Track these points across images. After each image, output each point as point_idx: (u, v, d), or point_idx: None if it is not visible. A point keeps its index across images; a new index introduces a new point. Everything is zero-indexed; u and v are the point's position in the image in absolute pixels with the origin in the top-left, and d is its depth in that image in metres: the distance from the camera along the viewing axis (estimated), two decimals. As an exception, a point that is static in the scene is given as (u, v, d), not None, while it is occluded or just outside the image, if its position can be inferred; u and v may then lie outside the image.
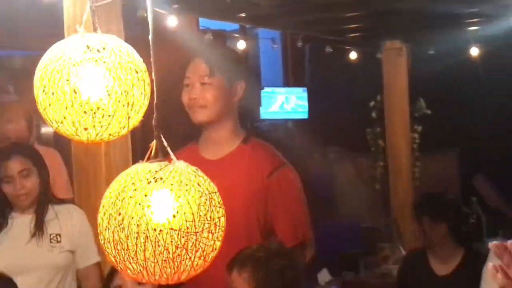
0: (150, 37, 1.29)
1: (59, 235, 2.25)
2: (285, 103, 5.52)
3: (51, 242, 2.23)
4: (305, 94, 5.62)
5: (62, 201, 2.34)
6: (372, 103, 4.53)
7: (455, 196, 3.12)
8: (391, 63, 4.36)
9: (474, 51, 4.15)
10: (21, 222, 2.24)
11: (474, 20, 3.56)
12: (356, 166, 4.71)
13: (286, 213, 2.00)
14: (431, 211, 2.58)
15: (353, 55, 4.60)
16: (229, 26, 4.66)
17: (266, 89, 5.36)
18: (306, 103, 5.58)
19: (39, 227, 2.18)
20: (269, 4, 2.86)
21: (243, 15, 3.25)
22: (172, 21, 2.78)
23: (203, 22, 4.49)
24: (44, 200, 2.22)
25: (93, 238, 2.29)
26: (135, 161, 1.95)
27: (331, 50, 4.37)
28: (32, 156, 2.29)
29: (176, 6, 2.64)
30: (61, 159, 3.07)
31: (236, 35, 4.32)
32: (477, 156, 4.47)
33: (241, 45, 4.36)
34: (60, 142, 3.45)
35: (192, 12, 3.10)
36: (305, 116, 5.51)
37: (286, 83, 5.86)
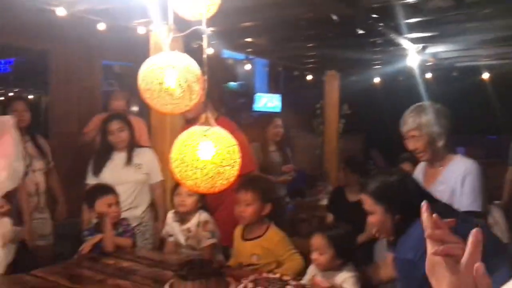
0: (204, 56, 1.76)
1: (140, 164, 3.17)
2: (268, 102, 8.19)
3: (135, 167, 3.16)
4: (280, 98, 8.20)
5: (142, 147, 3.36)
6: (317, 105, 6.69)
7: (361, 159, 4.62)
8: (329, 83, 6.39)
9: (377, 80, 6.77)
10: (118, 157, 3.16)
11: (377, 62, 5.74)
12: (306, 140, 7.04)
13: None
14: (349, 165, 3.94)
15: (309, 77, 6.58)
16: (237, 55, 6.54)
17: (258, 94, 8.08)
18: (280, 103, 8.18)
19: (129, 159, 3.15)
20: (263, 44, 4.71)
21: (249, 50, 5.08)
22: (209, 51, 3.85)
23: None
24: (131, 145, 3.19)
25: (158, 166, 3.24)
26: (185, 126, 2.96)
27: (297, 73, 6.56)
28: (125, 120, 3.26)
29: (213, 42, 4.02)
30: (144, 123, 4.13)
31: (244, 61, 6.25)
32: (373, 138, 7.16)
33: (247, 67, 6.54)
34: (142, 115, 4.75)
35: (222, 47, 4.97)
36: (278, 110, 8.04)
37: (269, 91, 8.40)
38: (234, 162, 1.72)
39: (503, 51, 4.83)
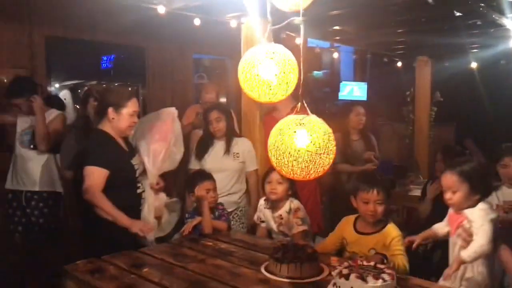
0: (301, 47, 1.83)
1: (238, 153, 3.33)
2: (354, 90, 8.09)
3: (233, 156, 3.32)
4: (365, 86, 8.07)
5: (239, 135, 3.51)
6: (408, 93, 6.33)
7: (459, 148, 4.23)
8: (421, 69, 6.16)
9: (473, 65, 6.20)
10: (218, 145, 3.34)
11: (474, 45, 5.33)
12: (394, 129, 6.82)
13: None
14: (443, 156, 3.66)
15: (399, 64, 6.32)
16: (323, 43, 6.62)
17: (343, 82, 7.98)
18: (366, 91, 8.05)
19: (227, 148, 3.31)
20: (351, 32, 4.66)
21: (337, 38, 5.11)
22: (298, 40, 3.86)
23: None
24: (229, 134, 3.35)
25: (254, 156, 3.40)
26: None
27: (386, 60, 6.25)
28: (223, 110, 3.43)
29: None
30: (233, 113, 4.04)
31: (331, 49, 6.42)
32: (466, 128, 6.50)
33: (335, 55, 6.70)
34: (230, 106, 5.04)
35: (309, 36, 4.92)
36: (364, 99, 7.93)
37: (355, 79, 8.33)
38: (329, 150, 1.77)
39: None
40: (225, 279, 1.99)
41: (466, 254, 1.90)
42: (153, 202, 2.77)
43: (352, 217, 2.39)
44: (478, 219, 1.95)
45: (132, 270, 2.07)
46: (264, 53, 1.81)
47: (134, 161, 2.75)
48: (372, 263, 1.95)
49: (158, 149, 2.81)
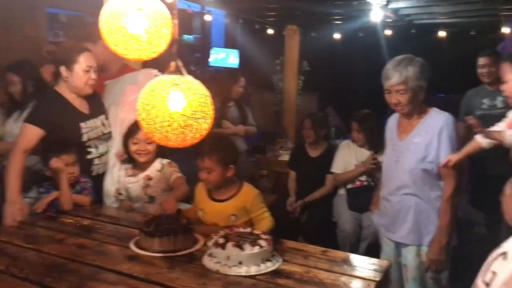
0: (174, 10, 1.89)
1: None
2: (226, 57, 8.01)
3: None
4: (237, 53, 8.02)
5: None
6: (277, 61, 6.52)
7: (323, 114, 4.52)
8: (290, 38, 6.29)
9: (337, 36, 6.58)
10: None
11: (338, 17, 5.68)
12: (264, 97, 6.92)
13: None
14: (309, 122, 3.95)
15: (270, 31, 6.37)
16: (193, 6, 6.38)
17: (215, 48, 7.86)
18: (238, 59, 8.01)
19: None
20: None
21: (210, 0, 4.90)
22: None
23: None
24: None
25: None
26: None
27: (257, 27, 6.25)
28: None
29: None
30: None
31: (202, 12, 6.06)
32: (327, 97, 7.23)
33: (207, 18, 6.35)
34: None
35: None
36: (236, 66, 7.95)
37: (226, 46, 8.17)
38: (206, 114, 1.70)
39: (459, 9, 4.90)
40: (88, 259, 1.78)
41: None
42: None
43: (203, 185, 2.31)
44: None
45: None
46: (131, 3, 1.58)
47: (88, 123, 2.59)
48: (248, 230, 1.91)
49: (129, 117, 2.60)
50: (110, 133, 2.67)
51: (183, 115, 1.57)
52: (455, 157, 2.07)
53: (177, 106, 1.56)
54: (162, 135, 1.60)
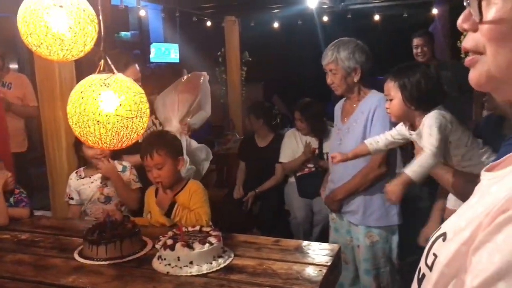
0: (99, 6, 1.57)
1: None
2: (166, 52, 7.83)
3: None
4: (177, 47, 7.88)
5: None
6: (219, 53, 6.52)
7: (267, 104, 4.49)
8: (229, 29, 6.23)
9: (276, 25, 6.63)
10: None
11: (276, 5, 5.79)
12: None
13: None
14: (254, 112, 3.97)
15: (208, 23, 6.35)
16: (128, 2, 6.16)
17: (154, 44, 7.59)
18: (178, 53, 7.88)
19: None
20: None
21: None
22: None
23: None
24: None
25: None
26: (79, 77, 2.59)
27: (195, 19, 6.12)
28: None
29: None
30: (28, 80, 3.76)
31: (139, 6, 5.92)
32: (272, 86, 7.26)
33: (142, 13, 6.21)
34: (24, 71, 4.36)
35: None
36: (177, 61, 7.80)
37: (165, 41, 7.96)
38: (142, 112, 1.62)
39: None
40: (28, 276, 1.66)
41: None
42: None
43: (152, 188, 2.25)
44: None
45: None
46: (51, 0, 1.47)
47: None
48: (197, 228, 1.87)
49: (186, 97, 2.98)
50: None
51: (118, 115, 1.50)
52: (341, 156, 2.10)
53: (110, 107, 1.48)
54: (96, 138, 1.53)
